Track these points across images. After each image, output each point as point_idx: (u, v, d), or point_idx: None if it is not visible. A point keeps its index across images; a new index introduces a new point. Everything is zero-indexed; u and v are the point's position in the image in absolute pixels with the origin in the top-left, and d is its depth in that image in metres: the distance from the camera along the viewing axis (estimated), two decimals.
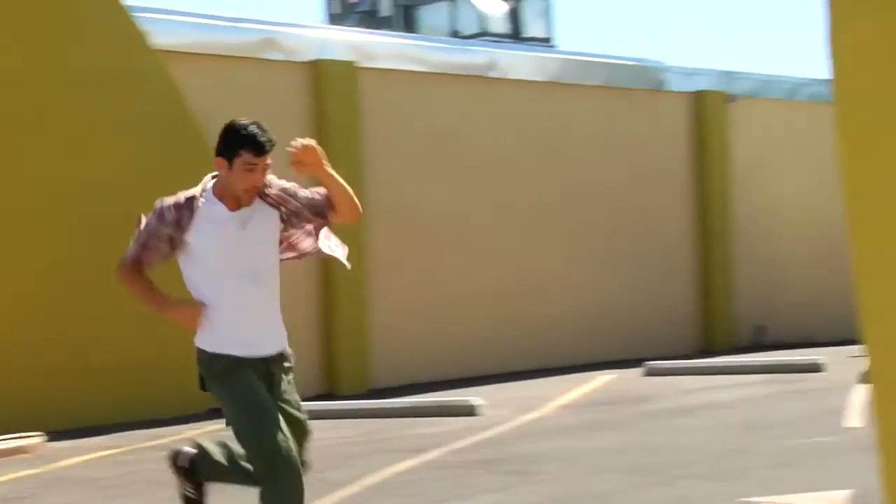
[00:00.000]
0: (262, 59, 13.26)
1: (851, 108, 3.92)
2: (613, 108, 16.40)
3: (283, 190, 5.14)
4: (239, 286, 5.02)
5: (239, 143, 4.94)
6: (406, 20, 16.26)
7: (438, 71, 14.68)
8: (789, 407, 10.79)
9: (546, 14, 16.77)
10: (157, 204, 5.10)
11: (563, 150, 15.83)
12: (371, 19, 16.15)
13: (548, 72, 15.68)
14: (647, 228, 16.80)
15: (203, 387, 5.10)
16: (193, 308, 5.03)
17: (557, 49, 17.08)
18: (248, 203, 5.04)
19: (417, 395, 12.49)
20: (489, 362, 14.85)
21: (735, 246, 17.86)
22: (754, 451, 8.42)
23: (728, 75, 18.04)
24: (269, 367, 5.08)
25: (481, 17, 16.18)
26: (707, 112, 17.27)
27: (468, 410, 11.21)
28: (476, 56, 15.09)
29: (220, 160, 5.00)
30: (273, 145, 4.98)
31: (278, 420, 4.89)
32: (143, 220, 5.10)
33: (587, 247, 16.08)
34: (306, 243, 5.29)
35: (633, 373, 14.17)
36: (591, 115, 16.14)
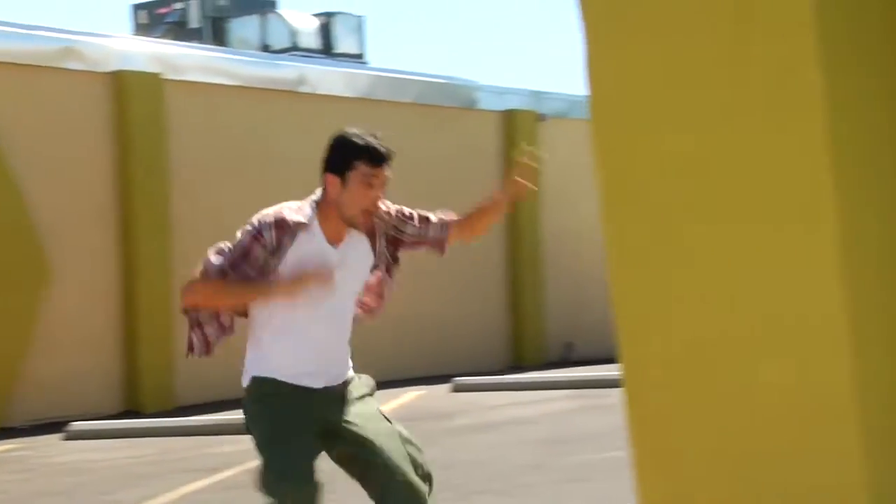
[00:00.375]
0: (62, 69, 12.87)
1: (607, 131, 4.01)
2: (424, 126, 16.47)
3: (400, 213, 4.66)
4: (315, 320, 4.47)
5: (354, 153, 4.40)
6: (216, 33, 16.04)
7: (247, 84, 14.51)
8: (590, 422, 10.97)
9: (358, 30, 16.73)
10: (256, 220, 4.37)
11: None
12: (180, 31, 15.91)
13: (358, 88, 15.66)
14: (457, 245, 16.86)
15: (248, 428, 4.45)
16: (299, 281, 4.33)
17: (369, 66, 17.02)
18: (364, 226, 4.48)
19: (221, 413, 12.27)
20: None
21: (545, 264, 18.12)
22: (550, 466, 8.53)
23: (538, 95, 18.29)
24: (328, 397, 4.53)
25: (292, 32, 16.05)
26: (517, 131, 17.48)
27: None
28: (286, 70, 14.97)
29: (332, 177, 4.40)
30: (393, 155, 4.48)
31: (309, 453, 4.36)
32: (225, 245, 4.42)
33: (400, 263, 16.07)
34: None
35: (442, 389, 14.23)
36: (402, 131, 16.09)
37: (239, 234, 4.36)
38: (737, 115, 3.77)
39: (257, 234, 4.28)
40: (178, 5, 16.59)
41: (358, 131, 4.46)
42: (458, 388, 14.15)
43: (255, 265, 4.28)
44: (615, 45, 3.93)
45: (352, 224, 4.42)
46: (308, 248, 4.35)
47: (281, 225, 4.30)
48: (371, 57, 18.35)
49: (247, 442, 10.23)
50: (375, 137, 4.43)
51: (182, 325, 4.98)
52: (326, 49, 16.67)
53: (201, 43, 15.40)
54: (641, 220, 4.00)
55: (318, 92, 15.20)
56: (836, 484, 3.65)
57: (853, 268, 3.69)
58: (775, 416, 3.69)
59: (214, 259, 4.35)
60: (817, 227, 3.69)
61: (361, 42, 17.00)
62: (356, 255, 4.50)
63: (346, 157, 4.36)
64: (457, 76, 17.31)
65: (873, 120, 3.83)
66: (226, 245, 4.41)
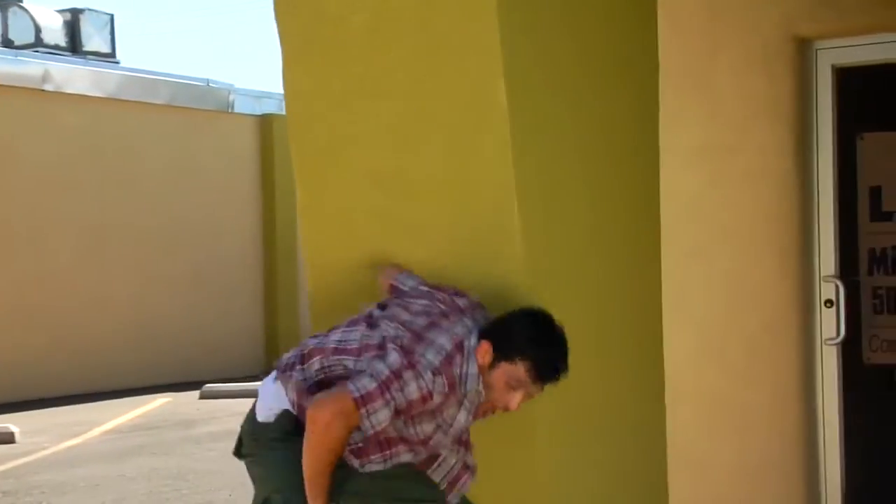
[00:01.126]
0: None
1: (301, 140, 4.03)
2: (178, 128, 16.18)
3: None
4: None
5: (530, 351, 3.40)
6: None
7: None
8: None
9: (107, 28, 16.27)
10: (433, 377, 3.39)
11: (123, 168, 15.44)
12: None
13: (108, 88, 15.27)
14: (210, 249, 16.67)
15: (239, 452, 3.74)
16: None
17: (120, 65, 16.61)
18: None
19: None
20: (37, 385, 14.21)
21: (301, 268, 18.06)
22: None
23: None
24: None
25: (37, 28, 15.49)
26: (274, 135, 17.37)
27: (6, 437, 10.70)
28: (29, 67, 14.47)
29: (488, 346, 3.43)
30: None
31: None
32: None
33: (146, 266, 15.75)
34: None
35: (190, 395, 14.01)
36: (155, 133, 15.86)
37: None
38: (428, 131, 3.83)
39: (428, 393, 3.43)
40: None
41: (556, 331, 3.47)
42: (207, 395, 13.96)
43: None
44: (309, 63, 3.95)
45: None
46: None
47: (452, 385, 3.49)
48: (124, 57, 17.88)
49: None
50: (564, 352, 3.46)
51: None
52: (74, 47, 16.14)
53: None
54: (337, 232, 4.02)
55: (65, 91, 14.74)
56: None
57: (535, 277, 3.80)
58: None
59: (377, 398, 3.39)
60: (506, 242, 3.78)
61: (112, 40, 16.54)
62: None
63: (519, 344, 3.41)
64: (213, 79, 17.08)
65: (558, 137, 3.96)
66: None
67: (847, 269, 5.09)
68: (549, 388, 3.50)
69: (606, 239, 4.18)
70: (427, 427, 3.43)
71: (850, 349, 5.07)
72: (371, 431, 3.35)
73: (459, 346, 3.39)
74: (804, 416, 4.90)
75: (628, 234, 4.33)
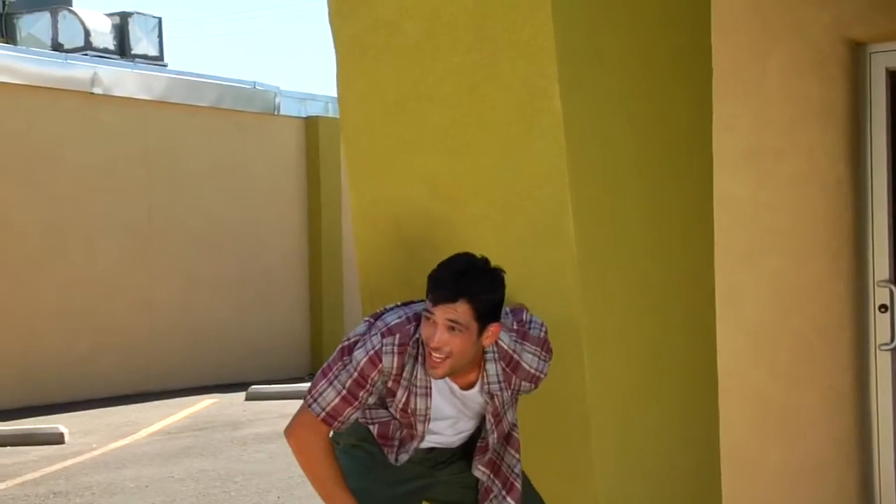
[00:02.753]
0: None
1: (355, 145, 4.05)
2: (224, 130, 16.28)
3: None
4: None
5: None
6: (5, 29, 15.52)
7: (38, 84, 14.10)
8: None
9: (155, 32, 16.40)
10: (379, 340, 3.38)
11: (170, 170, 15.55)
12: None
13: (155, 90, 15.38)
14: (256, 251, 16.76)
15: None
16: None
17: (167, 68, 16.73)
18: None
19: (2, 422, 11.91)
20: (87, 386, 14.35)
21: (344, 266, 18.11)
22: None
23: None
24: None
25: (86, 31, 15.63)
26: (319, 137, 17.45)
27: (56, 438, 10.80)
28: (79, 70, 14.60)
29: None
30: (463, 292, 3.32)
31: None
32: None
33: (192, 268, 15.85)
34: None
35: (237, 397, 14.08)
36: (201, 135, 15.97)
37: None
38: (482, 137, 3.84)
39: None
40: None
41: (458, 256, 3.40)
42: (253, 397, 14.02)
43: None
44: (364, 69, 3.97)
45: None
46: None
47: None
48: (171, 60, 18.00)
49: (26, 453, 10.05)
50: (460, 264, 3.34)
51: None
52: (122, 50, 16.27)
53: None
54: (390, 237, 4.05)
55: (114, 93, 14.86)
56: None
57: (589, 283, 3.81)
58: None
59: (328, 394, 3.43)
60: (560, 247, 3.79)
61: (159, 43, 16.67)
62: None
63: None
64: (258, 81, 17.17)
65: (613, 142, 3.96)
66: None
67: None
68: (603, 393, 3.50)
69: (661, 243, 4.18)
70: (400, 394, 3.40)
71: None
72: (323, 414, 3.34)
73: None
74: (857, 420, 4.87)
75: (683, 239, 4.33)
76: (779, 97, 4.97)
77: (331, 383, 3.37)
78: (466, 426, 3.54)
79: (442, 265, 3.35)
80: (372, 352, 3.35)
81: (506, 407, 3.48)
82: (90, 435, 11.11)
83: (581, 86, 3.80)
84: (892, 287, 4.85)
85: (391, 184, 3.99)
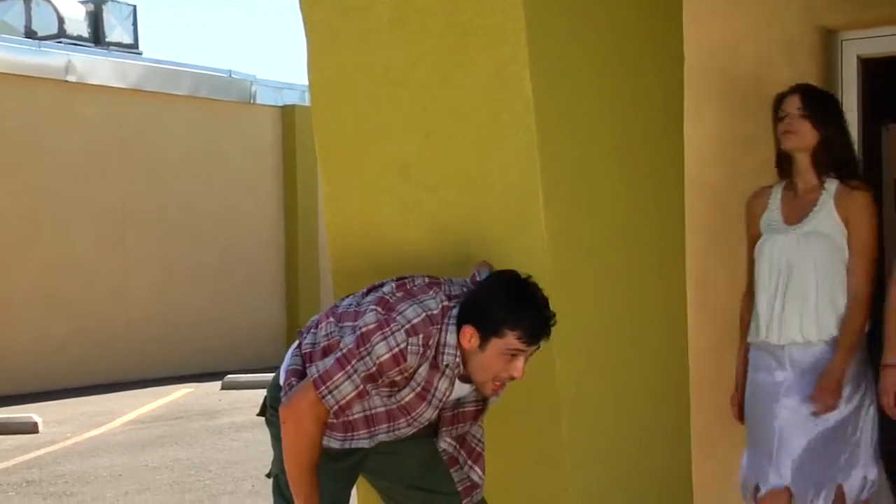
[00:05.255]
0: None
1: (326, 130, 4.04)
2: (200, 119, 16.22)
3: None
4: None
5: (512, 321, 3.28)
6: None
7: (11, 72, 14.01)
8: None
9: (130, 19, 16.32)
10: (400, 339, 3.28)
11: (146, 159, 15.49)
12: None
13: (130, 78, 15.31)
14: (232, 240, 16.72)
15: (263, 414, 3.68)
16: None
17: (142, 56, 16.64)
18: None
19: None
20: (61, 375, 14.29)
21: (323, 259, 18.10)
22: None
23: None
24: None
25: (60, 19, 15.54)
26: (296, 127, 17.40)
27: (30, 427, 10.76)
28: (53, 58, 14.52)
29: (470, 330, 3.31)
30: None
31: None
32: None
33: (168, 257, 15.80)
34: None
35: (212, 386, 14.05)
36: (177, 124, 15.90)
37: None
38: (453, 122, 3.84)
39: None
40: None
41: (529, 287, 3.33)
42: (228, 386, 13.99)
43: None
44: (335, 54, 3.96)
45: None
46: None
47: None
48: (146, 48, 17.93)
49: None
50: (545, 304, 3.32)
51: None
52: (97, 38, 16.18)
53: None
54: (361, 222, 4.04)
55: (88, 81, 14.79)
56: None
57: (561, 269, 3.81)
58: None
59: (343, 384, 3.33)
60: (531, 233, 3.79)
61: (134, 31, 16.58)
62: None
63: (500, 316, 3.27)
64: (235, 70, 17.12)
65: (584, 128, 3.96)
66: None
67: None
68: (574, 379, 3.51)
69: (633, 229, 4.19)
70: (405, 393, 3.33)
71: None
72: (336, 407, 3.28)
73: (445, 311, 3.30)
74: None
75: (655, 225, 4.33)
76: (750, 84, 4.99)
77: (349, 377, 3.26)
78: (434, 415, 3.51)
79: (539, 304, 3.28)
80: (396, 349, 3.23)
81: None
82: (64, 424, 11.08)
83: (552, 72, 3.79)
84: None
85: (362, 169, 3.99)
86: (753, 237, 4.34)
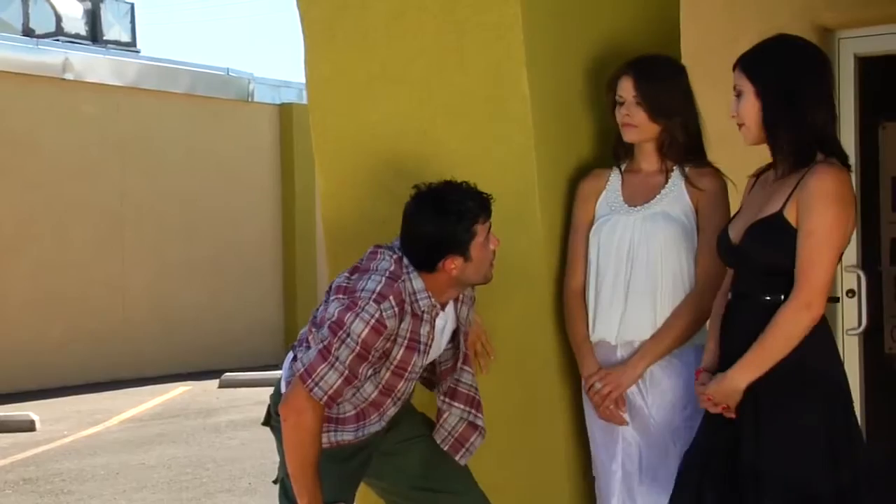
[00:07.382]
0: None
1: (323, 127, 4.03)
2: (198, 117, 16.21)
3: None
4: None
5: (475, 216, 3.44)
6: None
7: (9, 70, 14.00)
8: None
9: (128, 17, 16.31)
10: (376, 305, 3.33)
11: (143, 157, 15.47)
12: None
13: (128, 76, 15.30)
14: (230, 238, 16.70)
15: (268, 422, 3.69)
16: None
17: (140, 54, 16.64)
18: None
19: None
20: (59, 373, 14.27)
21: (320, 256, 18.09)
22: None
23: None
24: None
25: (57, 17, 15.52)
26: (293, 125, 17.38)
27: (27, 425, 10.75)
28: (50, 56, 14.50)
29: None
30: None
31: None
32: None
33: (165, 255, 15.79)
34: None
35: (210, 384, 14.05)
36: (174, 122, 15.89)
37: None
38: (450, 120, 3.83)
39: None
40: None
41: (451, 187, 3.47)
42: (226, 384, 13.99)
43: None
44: (331, 51, 3.96)
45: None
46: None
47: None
48: (144, 46, 17.91)
49: None
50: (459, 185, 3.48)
51: None
52: (94, 35, 16.16)
53: None
54: (358, 219, 4.03)
55: (85, 79, 14.78)
56: None
57: (557, 268, 3.81)
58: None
59: (327, 374, 3.38)
60: (527, 231, 3.79)
61: (132, 29, 16.56)
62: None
63: (459, 230, 3.40)
64: (232, 68, 17.11)
65: (581, 127, 3.95)
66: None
67: (869, 259, 5.08)
68: (569, 372, 3.51)
69: None
70: (395, 351, 3.39)
71: (871, 339, 5.07)
72: (325, 398, 3.32)
73: (399, 262, 3.39)
74: None
75: None
76: None
77: (332, 366, 3.31)
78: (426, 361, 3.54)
79: (462, 190, 3.43)
80: (373, 321, 3.29)
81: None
82: (61, 422, 11.07)
83: (549, 70, 3.79)
84: (860, 272, 4.87)
85: (358, 166, 3.98)
86: (584, 223, 3.79)
